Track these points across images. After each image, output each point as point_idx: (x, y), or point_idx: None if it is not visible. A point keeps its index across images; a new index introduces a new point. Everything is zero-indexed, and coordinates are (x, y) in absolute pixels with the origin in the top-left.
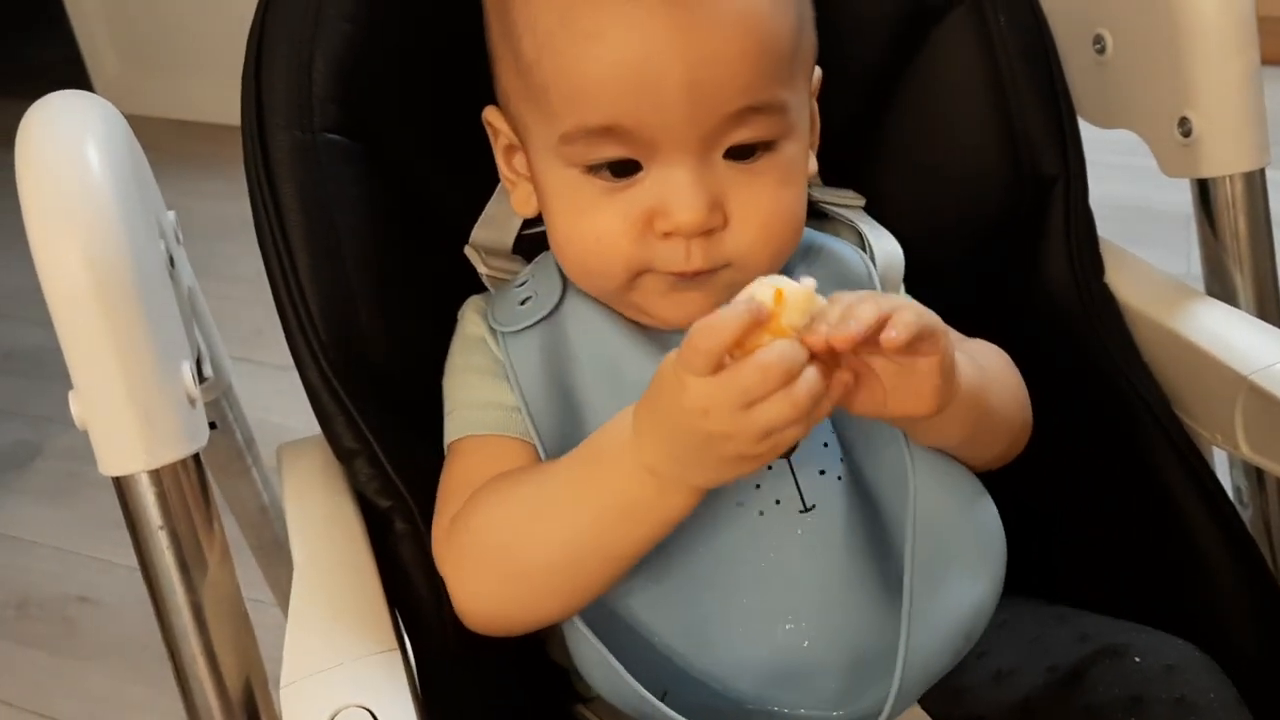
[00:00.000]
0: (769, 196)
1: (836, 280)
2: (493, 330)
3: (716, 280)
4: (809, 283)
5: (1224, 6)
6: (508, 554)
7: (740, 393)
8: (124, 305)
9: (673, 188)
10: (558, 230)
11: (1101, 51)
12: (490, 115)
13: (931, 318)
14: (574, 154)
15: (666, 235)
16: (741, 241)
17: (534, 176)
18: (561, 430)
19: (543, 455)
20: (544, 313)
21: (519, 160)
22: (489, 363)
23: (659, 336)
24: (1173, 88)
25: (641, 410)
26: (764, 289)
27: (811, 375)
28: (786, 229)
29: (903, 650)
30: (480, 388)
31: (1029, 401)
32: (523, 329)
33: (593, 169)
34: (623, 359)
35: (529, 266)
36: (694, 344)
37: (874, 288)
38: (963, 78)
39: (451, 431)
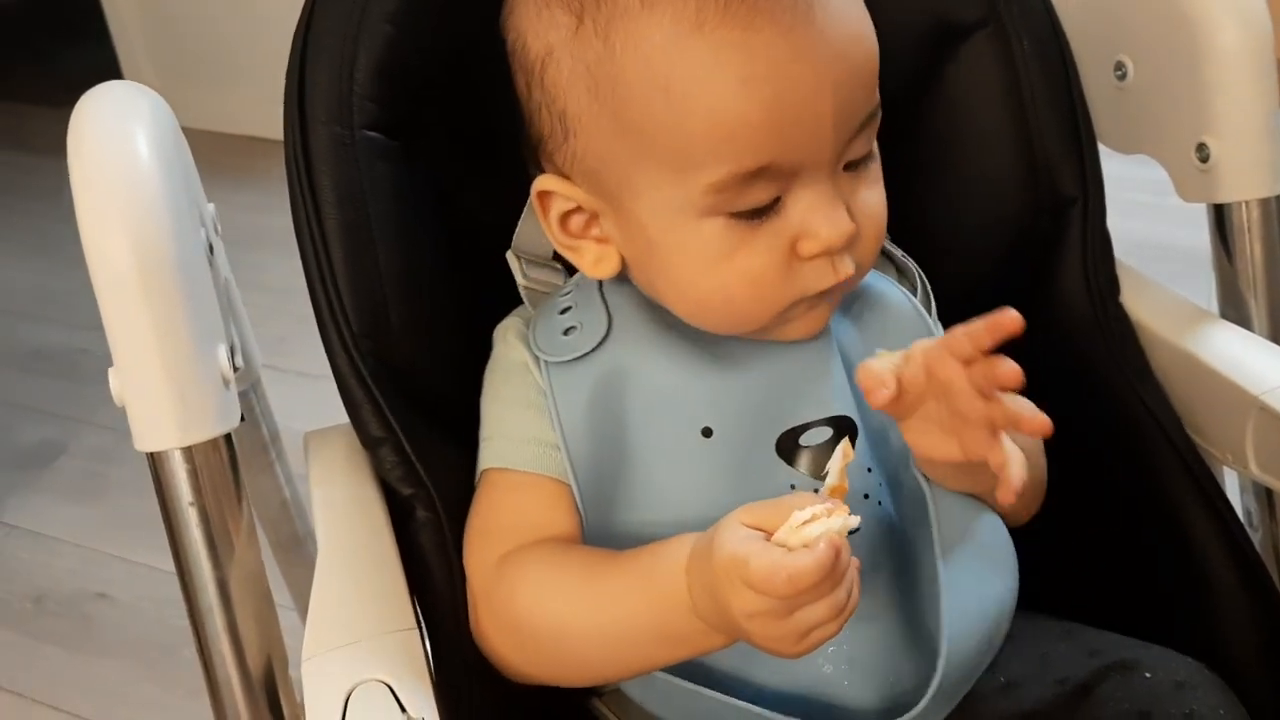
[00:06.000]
0: (876, 197)
1: (890, 330)
2: (536, 358)
3: (840, 290)
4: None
5: (1244, 35)
6: (546, 637)
7: (787, 606)
8: (165, 285)
9: (816, 210)
10: (695, 285)
11: (1122, 77)
12: (550, 184)
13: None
14: (721, 202)
15: (813, 257)
16: (865, 247)
17: (633, 237)
18: (599, 470)
19: (578, 496)
20: (591, 345)
21: (577, 222)
22: (531, 393)
23: (718, 359)
24: (1191, 114)
25: (694, 568)
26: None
27: (852, 576)
28: (884, 229)
29: (944, 614)
30: (519, 422)
31: (1045, 464)
32: (570, 360)
33: (736, 214)
34: (681, 388)
35: (569, 289)
36: (765, 577)
37: (925, 328)
38: (984, 98)
39: (487, 459)
